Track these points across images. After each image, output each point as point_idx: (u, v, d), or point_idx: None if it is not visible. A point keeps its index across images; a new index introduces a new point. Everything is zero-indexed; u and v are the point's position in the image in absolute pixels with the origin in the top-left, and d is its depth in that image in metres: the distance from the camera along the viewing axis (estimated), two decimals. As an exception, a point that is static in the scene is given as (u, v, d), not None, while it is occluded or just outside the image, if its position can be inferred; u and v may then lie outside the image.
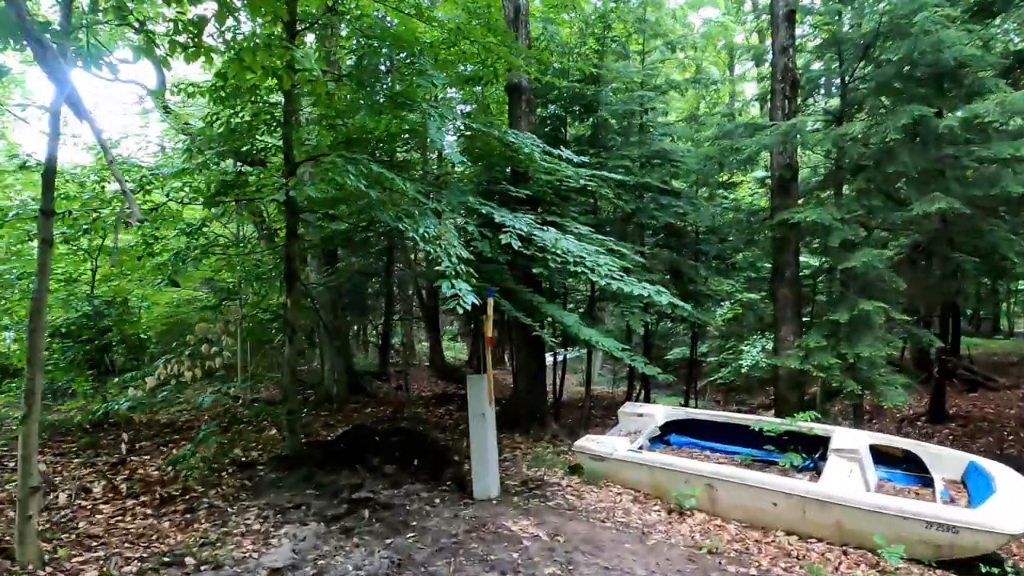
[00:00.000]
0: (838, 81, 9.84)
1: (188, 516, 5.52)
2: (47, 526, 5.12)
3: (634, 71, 11.47)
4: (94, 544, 4.74)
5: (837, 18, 9.63)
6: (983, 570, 5.22)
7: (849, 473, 6.62)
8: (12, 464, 6.55)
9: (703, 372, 16.73)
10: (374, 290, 18.98)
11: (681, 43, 14.64)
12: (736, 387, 18.00)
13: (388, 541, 5.31)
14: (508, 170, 9.53)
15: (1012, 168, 7.60)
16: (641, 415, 8.83)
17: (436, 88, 5.88)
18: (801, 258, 9.89)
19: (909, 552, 5.57)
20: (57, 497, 5.72)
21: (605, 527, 6.16)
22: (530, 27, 10.07)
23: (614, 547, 5.54)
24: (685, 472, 6.94)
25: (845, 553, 5.86)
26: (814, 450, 7.70)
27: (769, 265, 13.50)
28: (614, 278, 6.03)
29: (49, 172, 4.43)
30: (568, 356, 17.68)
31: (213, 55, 4.84)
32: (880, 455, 7.50)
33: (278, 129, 7.17)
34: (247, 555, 4.78)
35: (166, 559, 4.57)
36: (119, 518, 5.38)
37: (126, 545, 4.78)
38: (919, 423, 12.56)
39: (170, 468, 6.44)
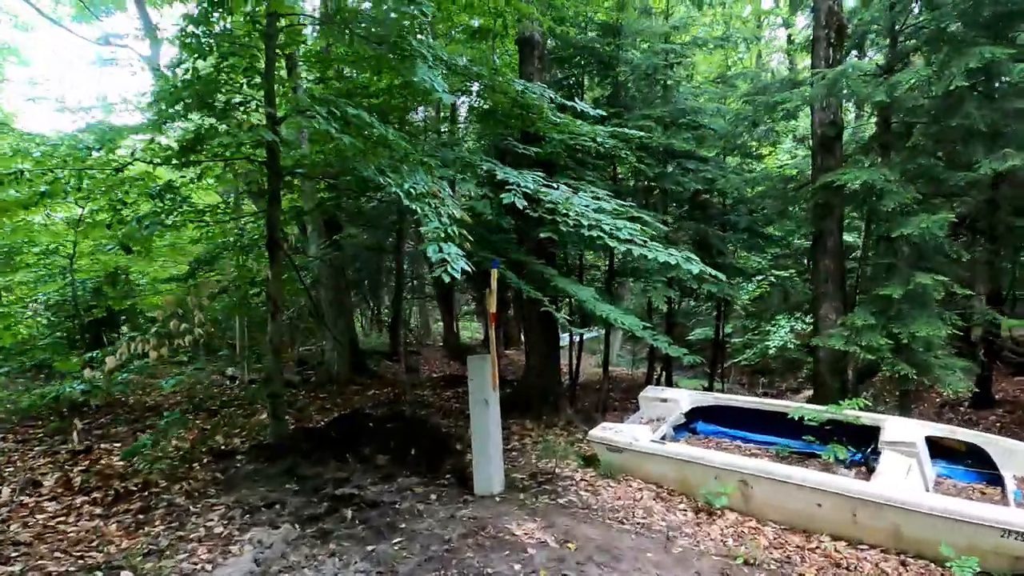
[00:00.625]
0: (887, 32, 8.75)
1: (141, 517, 4.81)
2: (-24, 528, 4.45)
3: (658, 27, 10.43)
4: (15, 555, 4.04)
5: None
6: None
7: (907, 470, 5.73)
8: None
9: (727, 354, 15.80)
10: (384, 267, 18.31)
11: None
12: (762, 370, 17.10)
13: (370, 548, 4.55)
14: (519, 139, 8.64)
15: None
16: (664, 400, 7.98)
17: (426, 17, 5.00)
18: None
19: (982, 565, 4.71)
20: (0, 492, 5.05)
21: (623, 530, 5.36)
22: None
23: (634, 556, 4.74)
24: (715, 466, 6.09)
25: (904, 564, 5.01)
26: (861, 442, 6.81)
27: (800, 240, 12.54)
28: (636, 243, 5.15)
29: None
30: (586, 336, 16.90)
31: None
32: (937, 448, 6.59)
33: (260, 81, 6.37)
34: (198, 567, 4.04)
35: (98, 573, 3.85)
36: (61, 519, 4.69)
37: (56, 555, 4.07)
38: (962, 408, 11.55)
39: (129, 461, 5.74)
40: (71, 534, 4.43)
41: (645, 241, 5.24)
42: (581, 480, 6.59)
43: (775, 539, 5.47)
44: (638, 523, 5.55)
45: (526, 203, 4.94)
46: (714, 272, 5.31)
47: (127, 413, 8.13)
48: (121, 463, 5.88)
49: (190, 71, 5.70)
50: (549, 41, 9.80)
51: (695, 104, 9.67)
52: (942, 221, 6.83)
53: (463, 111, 15.03)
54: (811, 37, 8.61)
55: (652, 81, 10.54)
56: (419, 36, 5.32)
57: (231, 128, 5.66)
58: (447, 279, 3.81)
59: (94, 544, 4.28)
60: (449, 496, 5.86)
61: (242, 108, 6.65)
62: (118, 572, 3.88)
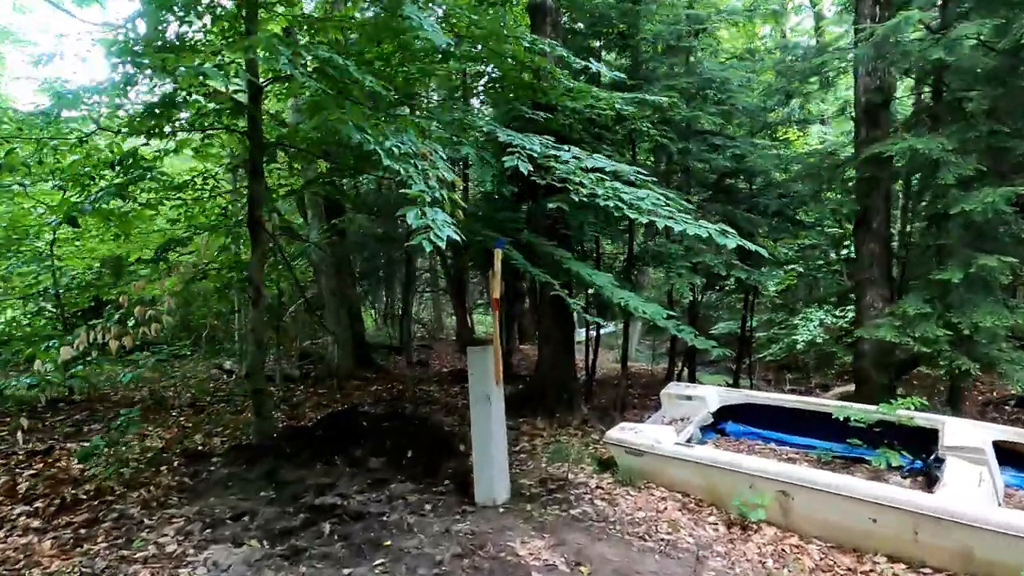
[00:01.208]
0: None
1: (84, 531, 4.16)
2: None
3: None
4: (-87, 581, 3.43)
5: None
6: None
7: (978, 481, 4.93)
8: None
9: (753, 348, 14.94)
10: (397, 257, 17.68)
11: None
12: (789, 365, 16.23)
13: (346, 572, 3.86)
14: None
15: None
16: (690, 398, 7.20)
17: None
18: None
19: (1077, 597, 3.92)
20: (-67, 500, 4.45)
21: (646, 548, 4.62)
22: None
23: (658, 583, 4.01)
24: (750, 473, 5.32)
25: (977, 592, 4.23)
26: (916, 446, 5.99)
27: (832, 227, 11.63)
28: (660, 214, 4.40)
29: None
30: (603, 331, 16.11)
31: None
32: (1005, 454, 5.77)
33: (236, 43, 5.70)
34: (134, 598, 3.39)
35: (9, 605, 3.22)
36: (-8, 533, 4.08)
37: (-33, 580, 3.45)
38: (1007, 407, 10.62)
39: (86, 464, 5.11)
40: (-5, 553, 3.81)
41: (672, 212, 4.48)
42: (597, 487, 5.85)
43: (822, 559, 4.71)
44: (662, 540, 4.80)
45: (531, 167, 4.21)
46: (756, 247, 4.52)
47: (108, 408, 7.55)
48: (79, 466, 5.26)
49: (152, 25, 5.03)
50: (563, 10, 9.03)
51: (722, 74, 8.81)
52: (1009, 195, 5.97)
53: (476, 103, 14.30)
54: (853, -4, 7.75)
55: (676, 51, 9.70)
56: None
57: (198, 91, 5.01)
58: (428, 247, 3.10)
59: (18, 567, 3.64)
60: (446, 506, 5.15)
61: (222, 72, 5.98)
62: (34, 604, 3.23)
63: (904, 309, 6.41)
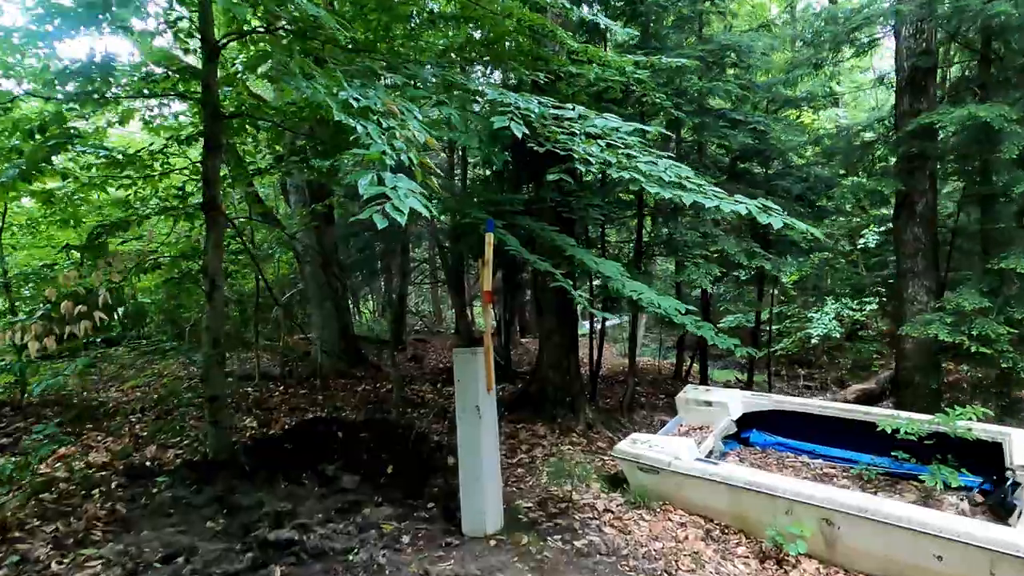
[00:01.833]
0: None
1: (-33, 585, 3.38)
2: None
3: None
4: None
5: None
6: None
7: (1066, 512, 4.12)
8: None
9: (762, 344, 14.14)
10: (392, 248, 16.90)
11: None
12: (800, 361, 15.43)
13: (292, 638, 3.06)
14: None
15: None
16: (710, 404, 6.39)
17: None
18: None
19: None
20: None
21: (666, 594, 3.81)
22: None
23: (685, 647, 3.20)
24: (788, 497, 4.51)
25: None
26: (976, 461, 5.17)
27: (855, 216, 10.79)
28: (682, 187, 3.56)
29: None
30: (608, 324, 15.28)
31: None
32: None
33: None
34: None
35: None
36: None
37: None
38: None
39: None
40: None
41: (701, 187, 3.64)
42: (605, 510, 5.04)
43: (878, 606, 3.90)
44: (685, 580, 4.00)
45: (526, 131, 3.37)
46: (808, 228, 3.67)
47: (61, 413, 6.74)
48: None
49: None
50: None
51: (743, 41, 7.90)
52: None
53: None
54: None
55: (688, 21, 8.80)
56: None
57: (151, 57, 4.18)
58: (381, 221, 2.27)
59: None
60: (427, 537, 4.34)
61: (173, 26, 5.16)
62: None
63: (959, 303, 5.57)
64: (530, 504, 5.11)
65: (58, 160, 5.60)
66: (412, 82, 3.96)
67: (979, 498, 5.06)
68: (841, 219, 10.49)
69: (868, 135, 8.26)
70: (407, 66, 4.07)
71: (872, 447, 5.74)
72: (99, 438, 6.16)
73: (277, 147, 6.63)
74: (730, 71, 8.64)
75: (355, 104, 2.99)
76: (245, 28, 5.28)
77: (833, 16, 7.22)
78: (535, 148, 3.80)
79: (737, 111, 8.27)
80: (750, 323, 12.60)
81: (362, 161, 2.69)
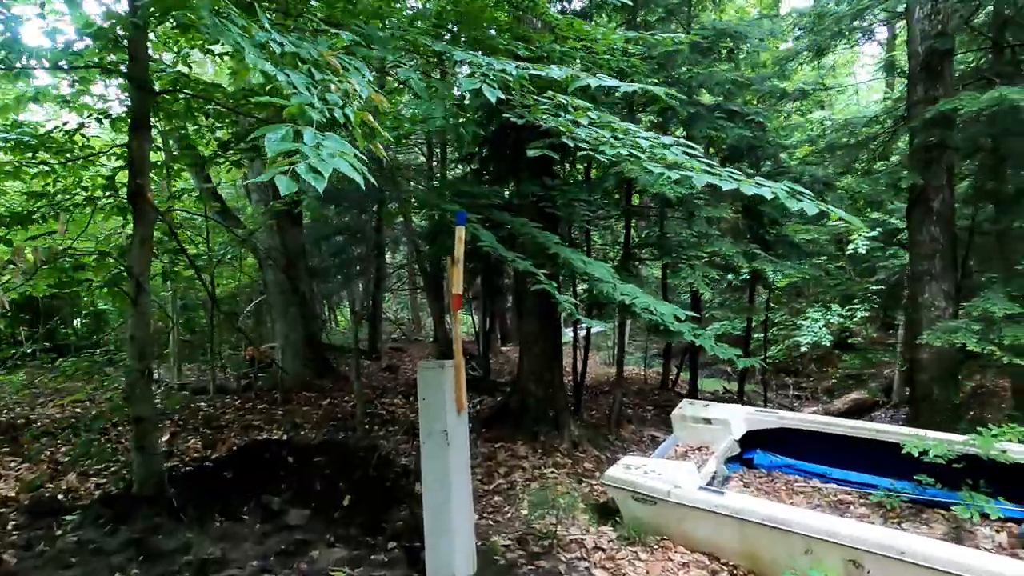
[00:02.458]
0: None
1: None
2: None
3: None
4: None
5: None
6: None
7: None
8: None
9: (751, 351, 13.60)
10: (365, 252, 16.16)
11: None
12: (787, 369, 14.95)
13: None
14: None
15: None
16: (709, 421, 5.74)
17: None
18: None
19: None
20: None
21: (671, 661, 3.13)
22: None
23: None
24: (806, 534, 3.86)
25: None
26: (1012, 487, 4.58)
27: (844, 222, 10.30)
28: (696, 167, 2.92)
29: None
30: (593, 330, 14.67)
31: None
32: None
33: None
34: None
35: None
36: None
37: None
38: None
39: None
40: None
41: (713, 167, 2.99)
42: (595, 548, 4.35)
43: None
44: (693, 642, 3.32)
45: (502, 95, 2.71)
46: (848, 216, 3.03)
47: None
48: None
49: None
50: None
51: (739, 27, 7.32)
52: None
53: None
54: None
55: (679, 7, 8.23)
56: None
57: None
58: (288, 186, 1.61)
59: None
60: (385, 588, 3.63)
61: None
62: None
63: (986, 309, 4.99)
64: (508, 542, 4.41)
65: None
66: (366, 44, 3.28)
67: (1015, 529, 4.47)
68: (831, 223, 10.05)
69: (873, 128, 7.72)
70: (357, 24, 3.39)
71: (890, 469, 5.13)
72: (12, 464, 5.35)
73: (226, 133, 5.88)
74: (724, 65, 8.09)
75: (278, 49, 2.30)
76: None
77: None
78: (513, 119, 3.14)
79: (733, 103, 7.68)
80: (736, 330, 12.09)
81: (281, 116, 2.00)
